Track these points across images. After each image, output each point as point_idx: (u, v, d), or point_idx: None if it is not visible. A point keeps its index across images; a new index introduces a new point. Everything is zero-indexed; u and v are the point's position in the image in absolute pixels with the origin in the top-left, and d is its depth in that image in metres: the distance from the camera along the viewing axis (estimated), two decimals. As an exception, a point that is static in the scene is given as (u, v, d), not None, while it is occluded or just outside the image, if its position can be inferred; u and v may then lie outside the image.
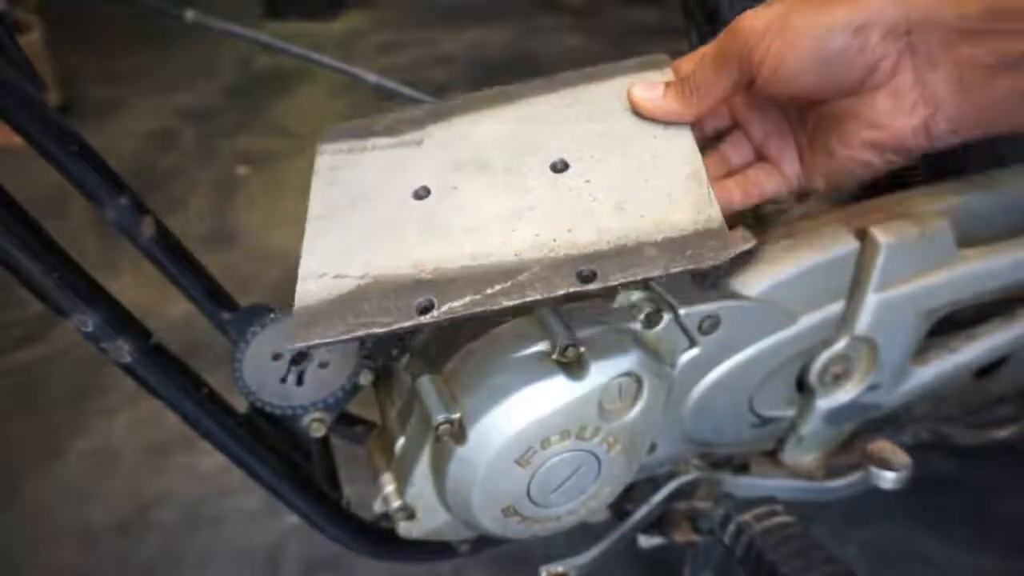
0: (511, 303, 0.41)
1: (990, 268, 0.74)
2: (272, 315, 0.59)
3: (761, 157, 0.49)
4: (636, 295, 0.63)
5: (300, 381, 0.63)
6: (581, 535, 0.78)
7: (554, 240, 0.43)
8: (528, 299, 0.41)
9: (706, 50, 0.44)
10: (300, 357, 0.62)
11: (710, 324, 0.65)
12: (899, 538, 1.18)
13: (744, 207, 0.48)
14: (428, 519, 0.67)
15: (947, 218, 0.71)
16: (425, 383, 0.60)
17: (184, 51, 3.16)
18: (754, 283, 0.66)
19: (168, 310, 1.66)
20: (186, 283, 0.73)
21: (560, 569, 0.73)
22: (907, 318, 0.73)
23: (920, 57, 0.36)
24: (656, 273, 0.41)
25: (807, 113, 0.44)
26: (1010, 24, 0.33)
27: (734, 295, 0.66)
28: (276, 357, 0.61)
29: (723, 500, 0.78)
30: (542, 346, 0.58)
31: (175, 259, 0.71)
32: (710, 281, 0.65)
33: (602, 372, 0.58)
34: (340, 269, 0.45)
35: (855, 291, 0.71)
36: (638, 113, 0.48)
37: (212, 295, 0.74)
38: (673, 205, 0.43)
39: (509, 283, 0.42)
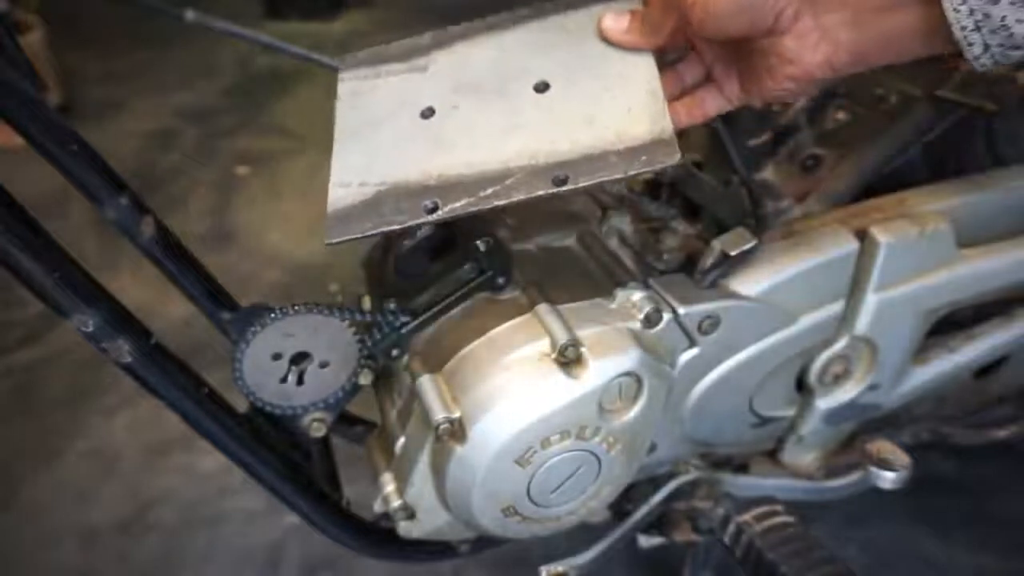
0: (500, 203, 0.49)
1: (990, 268, 0.74)
2: (272, 315, 0.59)
3: (709, 78, 0.55)
4: (637, 295, 0.62)
5: (300, 381, 0.63)
6: (581, 535, 0.78)
7: (535, 150, 0.51)
8: (514, 199, 0.49)
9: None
10: (300, 357, 0.62)
11: (710, 324, 0.65)
12: (899, 538, 1.18)
13: (689, 125, 0.55)
14: (428, 519, 0.67)
15: (947, 218, 0.71)
16: (425, 383, 0.60)
17: (184, 51, 3.15)
18: (754, 283, 0.66)
19: (168, 310, 1.66)
20: (186, 283, 0.72)
21: (560, 569, 0.73)
22: (907, 318, 0.73)
23: (819, 4, 0.43)
24: (617, 175, 0.49)
25: (743, 46, 0.50)
26: None
27: (734, 295, 0.66)
28: (276, 357, 0.61)
29: (723, 500, 0.78)
30: (542, 346, 0.58)
31: (175, 259, 0.71)
32: (710, 281, 0.66)
33: (602, 372, 0.58)
34: (363, 178, 0.53)
35: (855, 291, 0.71)
36: (606, 40, 0.54)
37: (212, 295, 0.74)
38: (633, 119, 0.50)
39: (499, 187, 0.50)
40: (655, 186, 0.82)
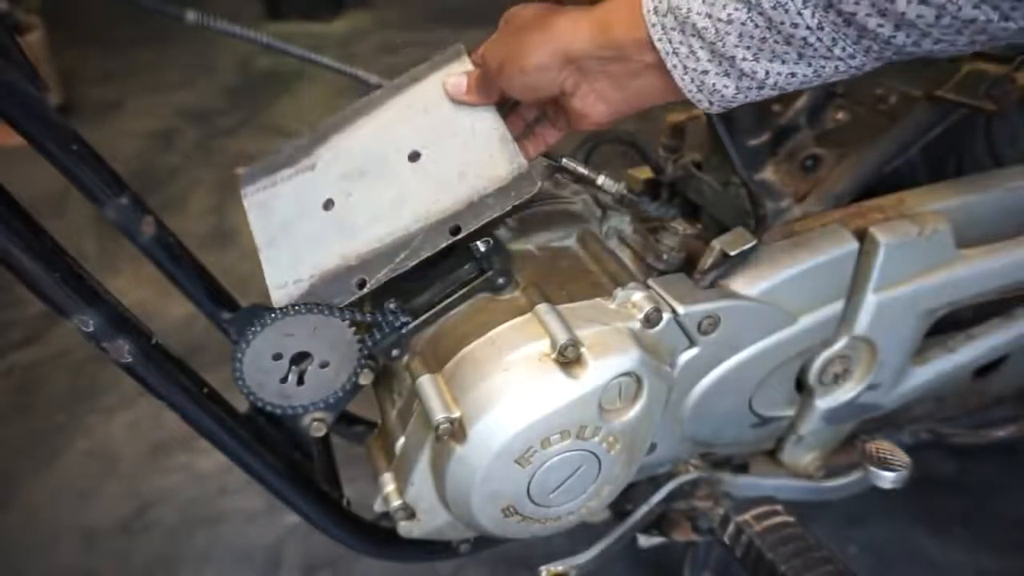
0: (413, 262, 0.59)
1: (990, 268, 0.74)
2: (272, 315, 0.59)
3: (545, 115, 0.66)
4: (637, 295, 0.63)
5: (300, 381, 0.63)
6: (581, 535, 0.78)
7: (427, 212, 0.60)
8: (423, 256, 0.59)
9: (480, 62, 0.62)
10: (300, 357, 0.62)
11: (710, 324, 0.65)
12: (899, 538, 1.18)
13: (535, 156, 0.66)
14: (428, 519, 0.68)
15: (947, 218, 0.71)
16: (425, 383, 0.60)
17: (184, 51, 3.16)
18: (754, 283, 0.66)
19: (168, 310, 1.66)
20: (186, 283, 0.72)
21: (560, 568, 0.73)
22: (906, 318, 0.74)
23: (588, 76, 0.55)
24: (497, 213, 0.58)
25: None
26: (620, 52, 0.52)
27: (734, 295, 0.66)
28: (276, 357, 0.61)
29: (723, 500, 0.78)
30: (542, 346, 0.58)
31: (175, 259, 0.71)
32: (710, 281, 0.66)
33: (602, 372, 0.58)
34: (295, 276, 0.62)
35: (854, 291, 0.71)
36: (453, 100, 0.64)
37: (212, 295, 0.74)
38: (494, 163, 0.60)
39: (408, 250, 0.60)
40: (655, 186, 0.82)
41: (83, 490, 1.35)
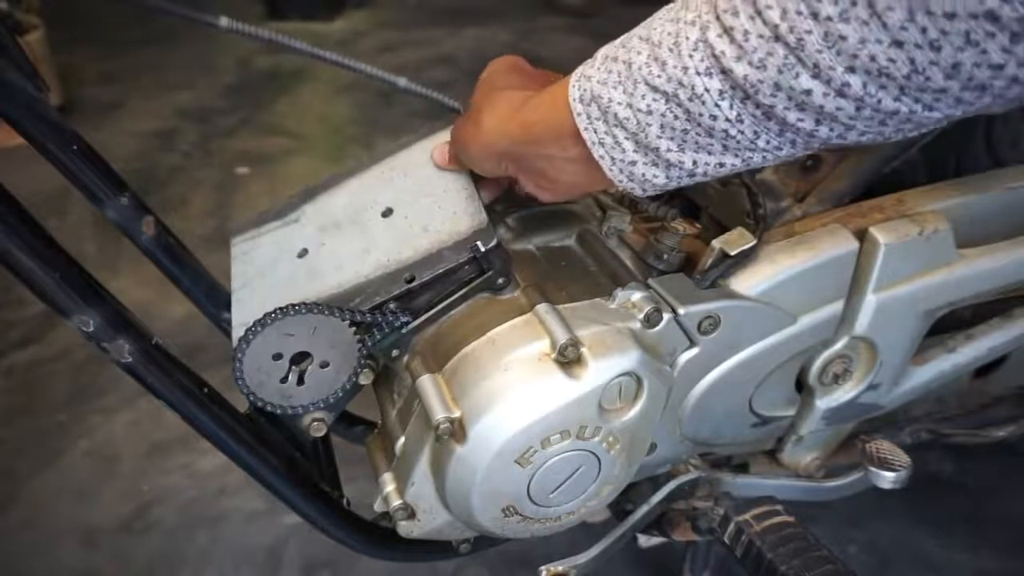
0: (367, 307, 0.61)
1: (990, 268, 0.74)
2: (272, 315, 0.59)
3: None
4: (637, 295, 0.63)
5: (300, 381, 0.63)
6: (581, 535, 0.78)
7: (387, 262, 0.63)
8: (376, 302, 0.61)
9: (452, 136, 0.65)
10: (300, 357, 0.62)
11: (710, 324, 0.65)
12: (899, 538, 1.18)
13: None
14: (428, 519, 0.68)
15: (947, 218, 0.71)
16: (425, 383, 0.60)
17: (184, 51, 3.16)
18: (754, 283, 0.66)
19: (168, 310, 1.66)
20: (186, 283, 0.73)
21: (560, 568, 0.73)
22: (906, 318, 0.74)
23: (521, 166, 0.57)
24: (451, 265, 0.61)
25: None
26: (541, 148, 0.53)
27: (734, 295, 0.66)
28: (277, 357, 0.61)
29: (723, 500, 0.78)
30: (542, 346, 0.58)
31: (175, 259, 0.71)
32: (710, 281, 0.66)
33: (602, 372, 0.58)
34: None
35: (854, 291, 0.71)
36: (438, 166, 0.67)
37: (212, 295, 0.74)
38: (458, 219, 0.63)
39: (363, 296, 0.62)
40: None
41: (83, 490, 1.35)
